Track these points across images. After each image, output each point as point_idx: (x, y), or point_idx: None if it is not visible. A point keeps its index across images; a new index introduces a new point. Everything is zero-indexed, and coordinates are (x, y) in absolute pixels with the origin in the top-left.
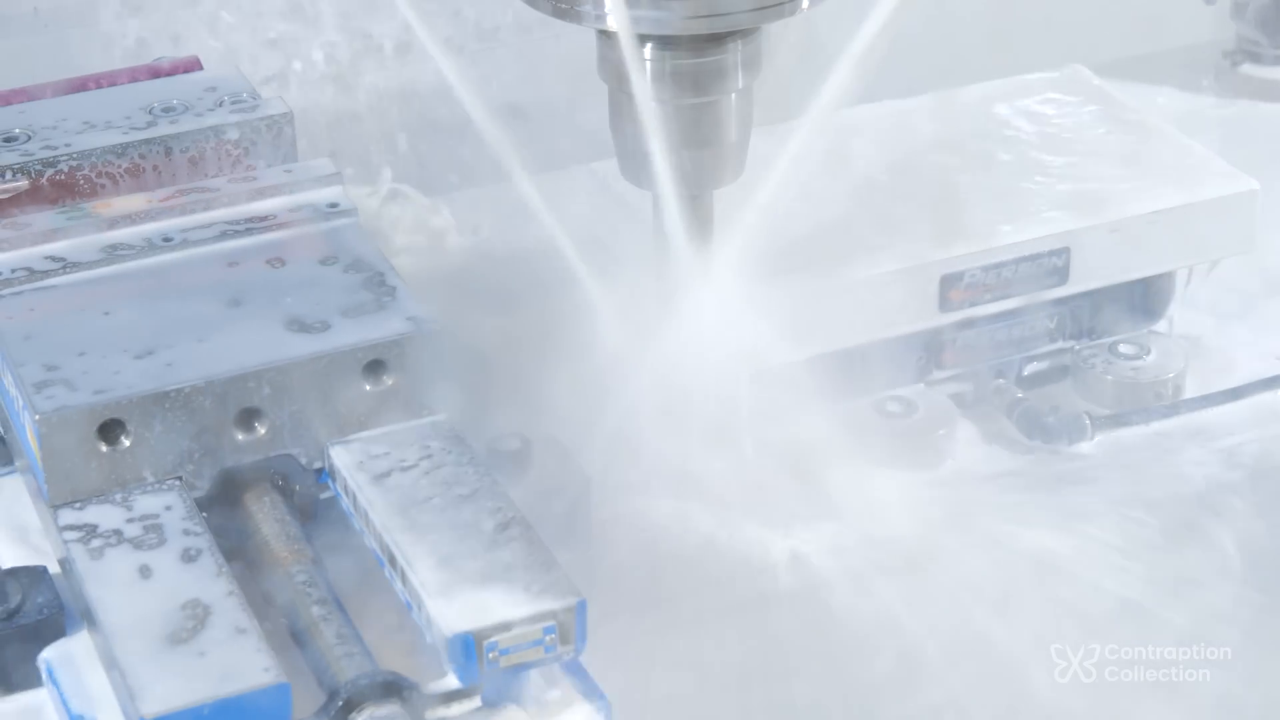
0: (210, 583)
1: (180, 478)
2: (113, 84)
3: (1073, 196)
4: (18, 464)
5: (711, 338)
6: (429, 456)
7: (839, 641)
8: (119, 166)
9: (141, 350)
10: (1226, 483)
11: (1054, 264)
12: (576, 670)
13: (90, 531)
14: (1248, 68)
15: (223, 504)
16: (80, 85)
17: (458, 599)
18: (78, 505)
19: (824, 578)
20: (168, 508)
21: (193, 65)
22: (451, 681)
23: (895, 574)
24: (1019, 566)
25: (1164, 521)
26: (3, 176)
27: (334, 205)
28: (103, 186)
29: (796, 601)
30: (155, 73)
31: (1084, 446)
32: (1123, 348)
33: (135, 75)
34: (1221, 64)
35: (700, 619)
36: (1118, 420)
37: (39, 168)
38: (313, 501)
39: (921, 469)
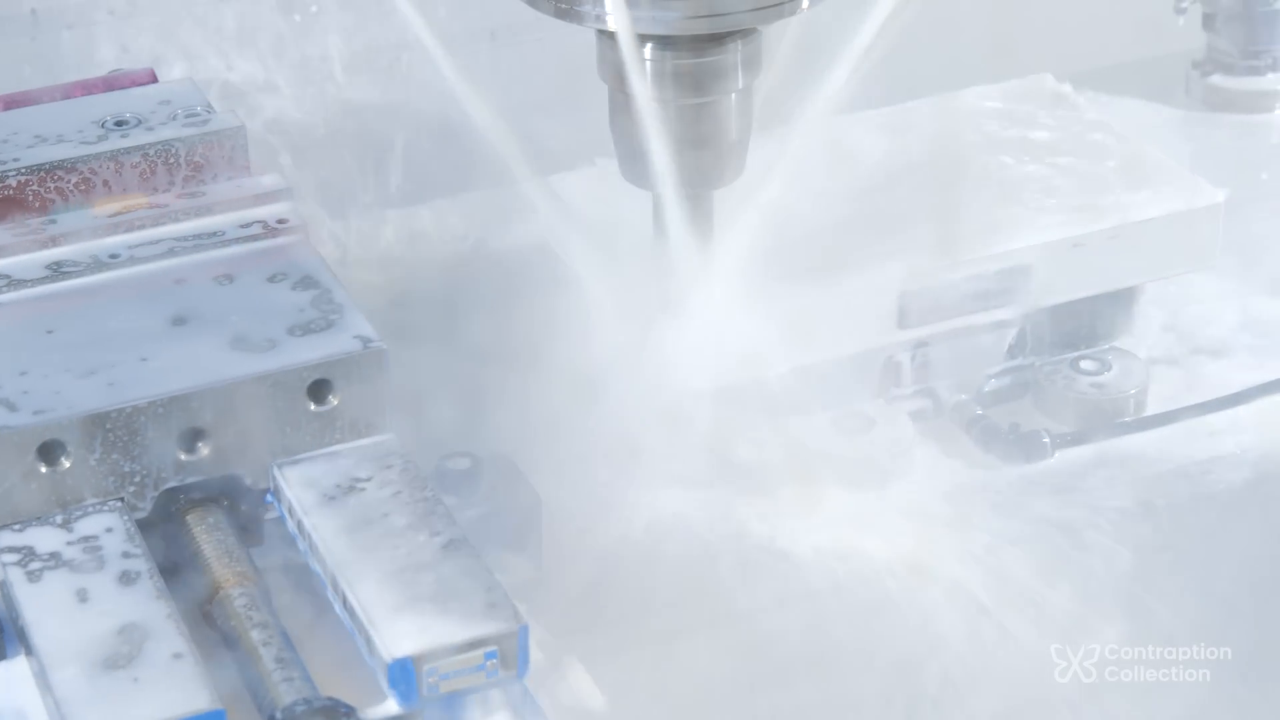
0: (148, 606)
1: (122, 499)
2: (67, 97)
3: (1035, 210)
4: None
5: (682, 351)
6: (375, 478)
7: (818, 653)
8: (69, 181)
9: (84, 370)
10: (1198, 493)
11: (1015, 279)
12: (521, 695)
13: (28, 554)
14: (1218, 79)
15: (165, 525)
16: (34, 98)
17: (398, 623)
18: (17, 527)
19: (792, 591)
20: (108, 530)
21: (147, 78)
22: (392, 706)
23: (865, 586)
24: (989, 579)
25: (1140, 529)
26: None
27: (283, 221)
28: (52, 202)
29: (768, 614)
30: (110, 85)
31: (1046, 463)
32: (1084, 364)
33: (89, 88)
34: (1192, 75)
35: (672, 634)
36: (1077, 437)
37: None
38: (258, 522)
39: (880, 486)
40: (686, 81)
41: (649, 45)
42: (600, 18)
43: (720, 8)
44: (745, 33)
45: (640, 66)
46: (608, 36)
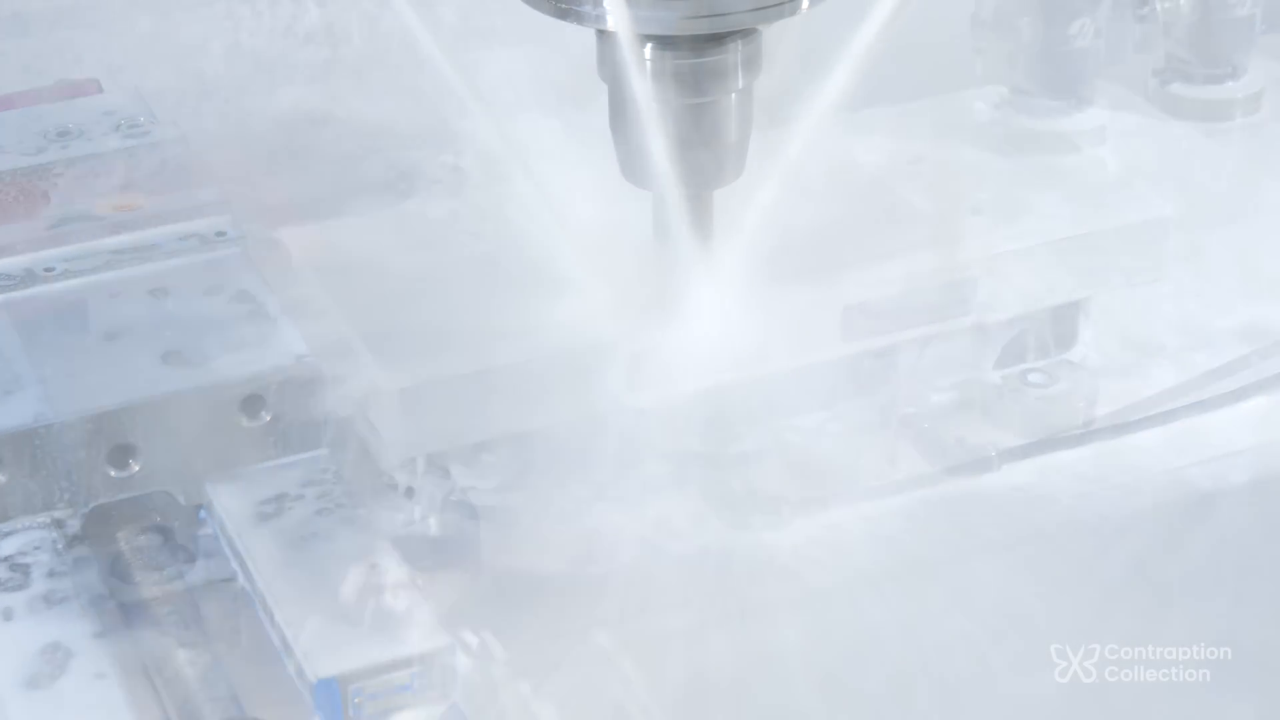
0: (73, 626)
1: (52, 516)
2: (10, 107)
3: (981, 222)
4: None
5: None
6: (307, 494)
7: (810, 660)
8: (9, 193)
9: (13, 385)
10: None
11: (961, 292)
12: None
13: None
14: (1177, 87)
15: (96, 542)
16: None
17: (325, 642)
18: None
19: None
20: (36, 548)
21: (92, 89)
22: None
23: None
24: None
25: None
26: None
27: (221, 234)
28: None
29: (757, 619)
30: (55, 95)
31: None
32: (1032, 376)
33: (35, 98)
34: (1151, 83)
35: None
36: (1023, 451)
37: None
38: (191, 539)
39: (825, 498)
40: (686, 81)
41: (649, 45)
42: (600, 18)
43: (720, 8)
44: (745, 33)
45: (640, 66)
46: (607, 36)
